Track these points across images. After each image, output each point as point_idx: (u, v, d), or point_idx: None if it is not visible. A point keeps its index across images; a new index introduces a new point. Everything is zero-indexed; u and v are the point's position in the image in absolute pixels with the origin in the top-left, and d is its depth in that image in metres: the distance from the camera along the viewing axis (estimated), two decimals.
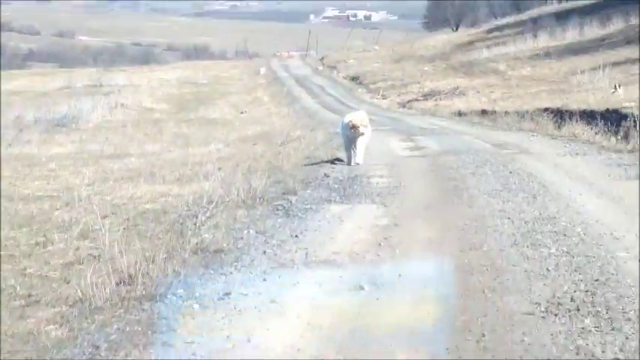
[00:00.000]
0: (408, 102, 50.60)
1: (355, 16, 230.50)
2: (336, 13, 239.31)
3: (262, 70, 72.53)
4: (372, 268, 10.40)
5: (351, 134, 19.55)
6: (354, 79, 64.06)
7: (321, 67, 74.25)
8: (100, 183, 20.64)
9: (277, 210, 14.12)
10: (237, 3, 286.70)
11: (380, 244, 11.65)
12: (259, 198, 15.02)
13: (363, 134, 19.42)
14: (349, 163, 19.70)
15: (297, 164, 21.19)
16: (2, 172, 22.75)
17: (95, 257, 12.30)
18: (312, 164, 20.11)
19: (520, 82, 47.57)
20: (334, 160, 20.70)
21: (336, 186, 16.74)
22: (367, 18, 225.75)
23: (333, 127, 35.09)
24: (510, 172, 17.72)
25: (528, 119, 31.07)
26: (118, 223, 15.20)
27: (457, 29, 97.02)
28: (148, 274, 10.18)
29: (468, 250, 11.12)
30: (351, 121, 19.81)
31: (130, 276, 10.13)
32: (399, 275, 10.06)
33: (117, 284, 9.98)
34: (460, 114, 39.46)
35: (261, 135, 34.35)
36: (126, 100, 52.14)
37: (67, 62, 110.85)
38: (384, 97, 55.20)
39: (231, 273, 10.29)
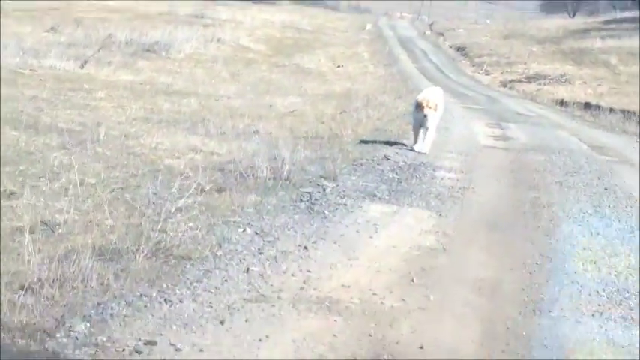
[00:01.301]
0: (510, 82, 46.44)
1: None
2: None
3: (368, 26, 68.48)
4: (386, 326, 6.87)
5: (416, 114, 16.00)
6: (459, 49, 59.81)
7: (428, 32, 70.01)
8: (138, 123, 17.39)
9: (301, 200, 10.61)
10: None
11: (412, 280, 8.12)
12: (286, 179, 11.54)
13: (426, 116, 15.73)
14: (412, 148, 16.11)
15: (362, 136, 17.71)
16: (42, 93, 19.65)
17: (49, 228, 9.05)
18: (375, 142, 16.50)
19: (630, 79, 43.19)
20: (403, 140, 17.09)
21: (390, 175, 13.22)
22: None
23: None
24: (605, 189, 14.00)
25: (634, 121, 27.09)
26: (119, 180, 11.95)
27: (574, 16, 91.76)
28: (65, 280, 6.79)
29: (530, 314, 7.55)
30: (417, 99, 16.23)
31: (40, 280, 6.74)
32: (421, 347, 6.54)
33: (24, 289, 6.61)
34: (562, 103, 35.29)
35: (346, 93, 30.79)
36: (223, 36, 48.80)
37: None
38: (486, 73, 51.09)
39: (180, 301, 6.81)
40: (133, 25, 46.78)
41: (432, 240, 9.66)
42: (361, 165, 13.70)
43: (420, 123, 15.80)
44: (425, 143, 15.90)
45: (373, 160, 14.27)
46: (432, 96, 16.04)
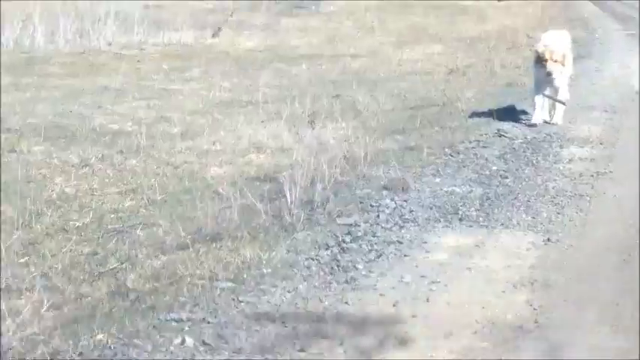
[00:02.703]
0: None
1: None
2: None
3: None
4: None
5: (536, 71, 11.43)
6: None
7: None
8: (217, 109, 13.86)
9: (327, 246, 6.65)
10: None
11: None
12: (323, 203, 7.61)
13: (550, 74, 11.06)
14: (533, 122, 11.40)
15: (488, 95, 13.72)
16: (115, 81, 16.20)
17: None
18: (497, 108, 12.31)
19: None
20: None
21: (495, 166, 9.18)
22: None
23: (583, 27, 26.85)
24: None
25: None
26: (125, 214, 8.46)
27: None
28: None
29: None
30: (537, 49, 11.41)
31: None
32: None
33: None
34: None
35: (498, 33, 26.38)
36: None
37: None
38: None
39: None
40: None
41: (522, 304, 5.68)
42: (458, 153, 9.67)
43: (542, 84, 11.40)
44: (555, 114, 11.43)
45: (479, 142, 10.23)
46: (558, 44, 11.35)
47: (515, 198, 7.97)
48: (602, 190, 8.32)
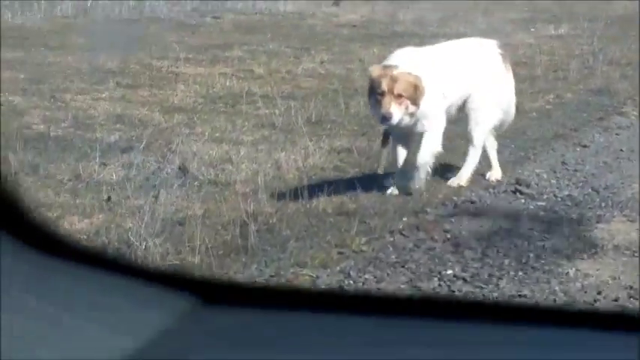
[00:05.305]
0: None
1: None
2: None
3: None
4: None
5: (372, 109, 6.35)
6: None
7: None
8: (197, 105, 10.18)
9: None
10: None
11: None
12: None
13: (388, 118, 6.04)
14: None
15: (559, 105, 9.50)
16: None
17: None
18: (546, 136, 8.08)
19: None
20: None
21: (450, 270, 5.03)
22: None
23: None
24: None
25: None
26: None
27: None
28: None
29: None
30: (371, 73, 6.31)
31: None
32: None
33: None
34: None
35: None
36: None
37: None
38: None
39: None
40: None
41: None
42: (417, 229, 5.54)
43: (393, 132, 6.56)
44: (463, 171, 6.66)
45: (472, 204, 6.06)
46: (414, 65, 6.28)
47: None
48: None
